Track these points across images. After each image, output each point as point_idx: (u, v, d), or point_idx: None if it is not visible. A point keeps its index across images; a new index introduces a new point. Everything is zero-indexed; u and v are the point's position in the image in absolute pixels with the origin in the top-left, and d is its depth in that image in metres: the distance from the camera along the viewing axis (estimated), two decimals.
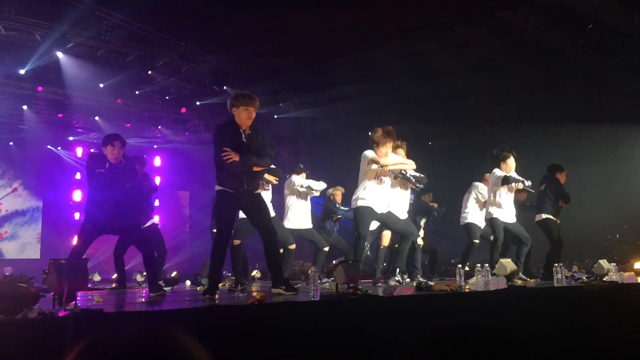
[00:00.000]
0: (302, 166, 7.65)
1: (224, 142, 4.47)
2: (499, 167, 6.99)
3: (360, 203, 5.85)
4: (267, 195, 6.24)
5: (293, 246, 6.83)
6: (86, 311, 2.94)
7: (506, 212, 6.94)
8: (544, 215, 7.07)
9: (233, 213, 5.05)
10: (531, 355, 0.95)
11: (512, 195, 7.03)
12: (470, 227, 7.56)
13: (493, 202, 6.97)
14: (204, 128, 13.34)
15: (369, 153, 5.91)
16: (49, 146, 13.01)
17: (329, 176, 8.48)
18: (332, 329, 3.25)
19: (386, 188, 6.00)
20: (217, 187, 4.67)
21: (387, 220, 6.15)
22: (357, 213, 5.88)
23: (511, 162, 6.94)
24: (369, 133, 6.07)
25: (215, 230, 5.85)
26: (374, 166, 5.88)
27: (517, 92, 10.84)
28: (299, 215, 7.14)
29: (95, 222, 4.93)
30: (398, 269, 6.71)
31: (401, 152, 6.49)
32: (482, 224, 7.45)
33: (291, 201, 7.17)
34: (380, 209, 5.90)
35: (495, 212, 6.93)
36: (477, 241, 7.46)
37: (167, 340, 0.90)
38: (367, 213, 5.85)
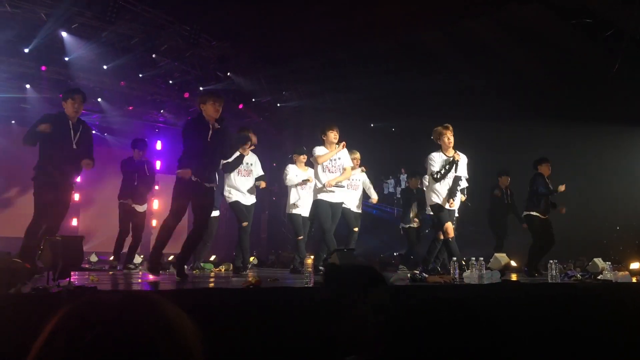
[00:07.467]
0: (304, 148, 7.64)
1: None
2: None
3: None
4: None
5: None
6: (80, 288, 2.97)
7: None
8: (530, 213, 7.28)
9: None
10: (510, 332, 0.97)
11: None
12: None
13: None
14: None
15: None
16: None
17: None
18: (322, 315, 3.27)
19: None
20: None
21: None
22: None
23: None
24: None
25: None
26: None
27: (516, 88, 10.78)
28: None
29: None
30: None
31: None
32: None
33: None
34: None
35: None
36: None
37: (151, 307, 0.88)
38: None
